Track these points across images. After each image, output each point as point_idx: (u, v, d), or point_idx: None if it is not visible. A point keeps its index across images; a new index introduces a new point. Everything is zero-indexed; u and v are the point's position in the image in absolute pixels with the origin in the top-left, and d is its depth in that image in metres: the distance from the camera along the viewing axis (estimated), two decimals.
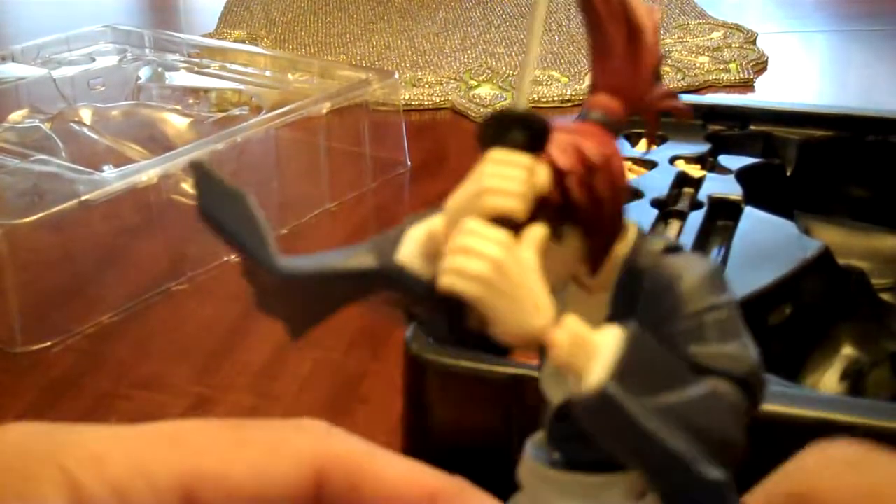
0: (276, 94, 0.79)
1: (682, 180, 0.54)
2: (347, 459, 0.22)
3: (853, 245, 0.56)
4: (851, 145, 0.60)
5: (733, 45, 1.06)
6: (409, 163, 0.80)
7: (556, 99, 0.93)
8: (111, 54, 0.88)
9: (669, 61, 1.02)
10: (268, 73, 0.83)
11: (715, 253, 0.50)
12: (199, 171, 0.22)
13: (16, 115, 0.76)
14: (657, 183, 0.53)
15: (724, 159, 0.58)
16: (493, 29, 1.15)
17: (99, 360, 0.56)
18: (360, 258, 0.23)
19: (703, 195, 0.52)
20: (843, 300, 0.50)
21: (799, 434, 0.34)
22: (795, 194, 0.59)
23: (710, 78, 0.97)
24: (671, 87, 0.95)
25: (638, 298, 0.23)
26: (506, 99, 0.93)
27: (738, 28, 1.13)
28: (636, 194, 0.52)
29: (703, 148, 0.58)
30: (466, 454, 0.39)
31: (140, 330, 0.59)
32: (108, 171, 0.61)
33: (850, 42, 1.14)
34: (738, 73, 0.98)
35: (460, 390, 0.38)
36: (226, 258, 0.65)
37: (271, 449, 0.21)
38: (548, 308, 0.21)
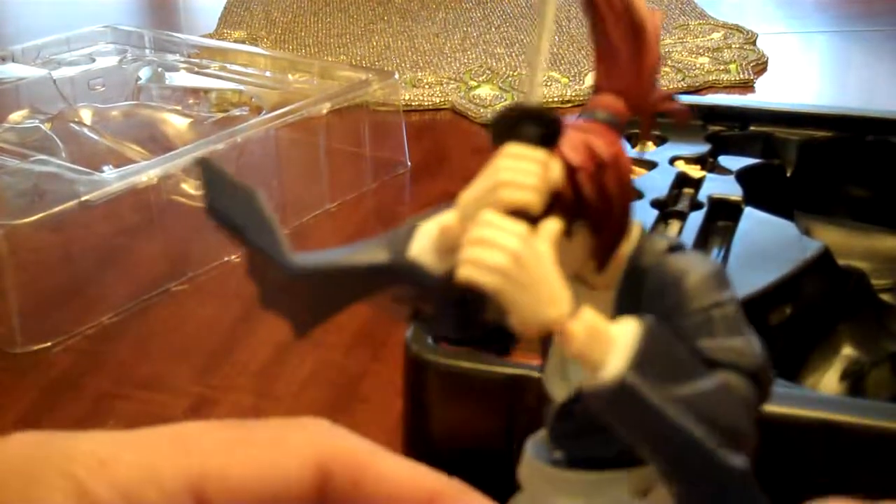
0: (277, 94, 0.79)
1: (682, 181, 0.54)
2: (350, 457, 0.22)
3: (853, 245, 0.56)
4: (851, 146, 0.60)
5: (733, 46, 1.06)
6: (409, 163, 0.80)
7: (556, 99, 0.93)
8: (111, 54, 0.88)
9: (669, 62, 1.02)
10: (268, 74, 0.83)
11: (715, 253, 0.50)
12: (206, 168, 0.22)
13: (16, 116, 0.76)
14: (657, 183, 0.53)
15: (724, 160, 0.58)
16: (493, 29, 1.16)
17: (99, 361, 0.56)
18: (372, 254, 0.23)
19: (703, 196, 0.52)
20: (843, 300, 0.50)
21: (799, 434, 0.34)
22: (795, 195, 0.59)
23: (711, 78, 0.97)
24: (671, 87, 0.95)
25: (641, 296, 0.23)
26: (506, 99, 0.93)
27: (738, 28, 1.13)
28: (636, 195, 0.52)
29: (703, 148, 0.58)
30: (466, 454, 0.39)
31: (140, 330, 0.59)
32: (108, 172, 0.61)
33: (850, 42, 1.14)
34: (738, 73, 0.98)
35: (460, 390, 0.38)
36: (226, 258, 0.65)
37: (276, 447, 0.22)
38: (565, 300, 0.21)
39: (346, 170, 0.78)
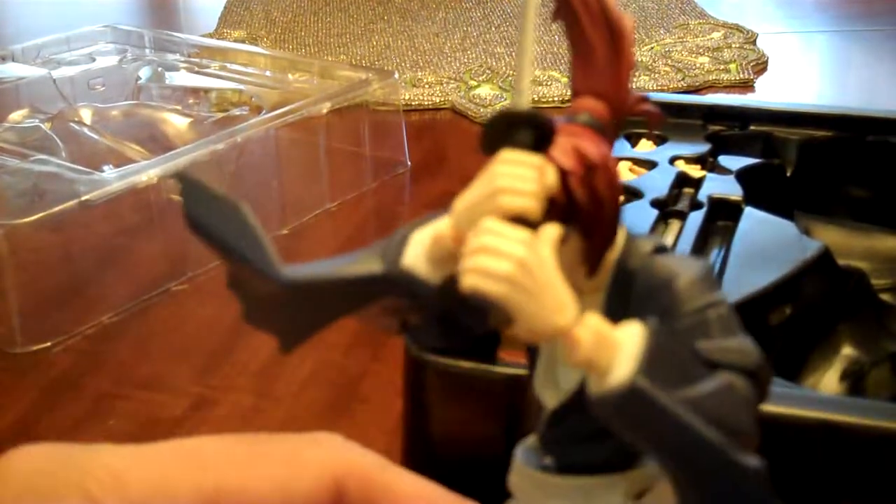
0: (277, 94, 0.79)
1: (682, 180, 0.54)
2: (363, 472, 0.22)
3: (853, 245, 0.56)
4: (851, 146, 0.59)
5: (733, 46, 1.06)
6: (409, 163, 0.80)
7: (556, 99, 0.93)
8: (111, 54, 0.88)
9: (669, 61, 1.02)
10: (268, 74, 0.83)
11: (715, 253, 0.50)
12: (185, 182, 0.22)
13: (16, 115, 0.76)
14: (657, 183, 0.53)
15: (724, 160, 0.58)
16: (493, 29, 1.15)
17: (99, 360, 0.56)
18: (365, 264, 0.23)
19: (703, 195, 0.52)
20: (843, 300, 0.50)
21: (799, 434, 0.34)
22: (795, 195, 0.59)
23: (710, 78, 0.97)
24: (671, 87, 0.95)
25: (630, 298, 0.23)
26: (506, 99, 0.93)
27: (738, 28, 1.13)
28: (636, 194, 0.51)
29: (703, 148, 0.58)
30: (466, 454, 0.39)
31: (140, 330, 0.59)
32: (108, 171, 0.61)
33: (850, 42, 1.14)
34: (738, 73, 0.98)
35: (460, 391, 0.38)
36: None
37: (291, 462, 0.22)
38: (571, 306, 0.21)
39: (346, 169, 0.78)
